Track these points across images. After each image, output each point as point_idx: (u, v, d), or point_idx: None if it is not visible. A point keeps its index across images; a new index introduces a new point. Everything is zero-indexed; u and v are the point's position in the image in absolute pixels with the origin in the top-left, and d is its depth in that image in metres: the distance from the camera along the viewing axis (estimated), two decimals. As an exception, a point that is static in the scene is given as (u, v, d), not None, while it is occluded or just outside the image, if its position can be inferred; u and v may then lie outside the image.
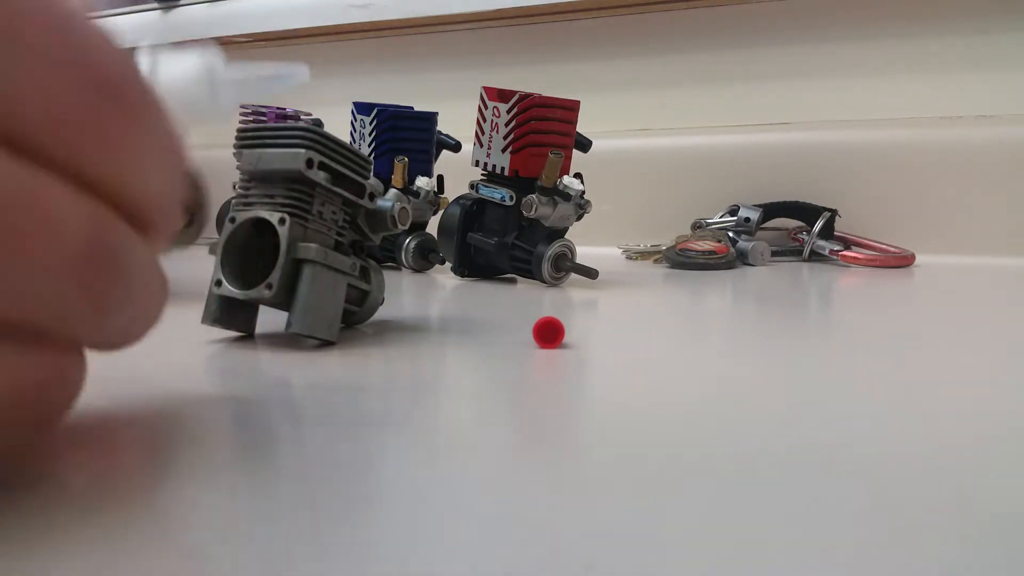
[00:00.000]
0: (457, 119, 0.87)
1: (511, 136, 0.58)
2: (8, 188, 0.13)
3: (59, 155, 0.14)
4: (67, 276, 0.14)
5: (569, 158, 0.59)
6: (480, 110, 0.60)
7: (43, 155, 0.14)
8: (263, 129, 0.32)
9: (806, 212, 0.82)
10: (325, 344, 0.33)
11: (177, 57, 0.43)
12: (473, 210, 0.62)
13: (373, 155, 0.71)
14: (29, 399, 0.15)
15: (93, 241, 0.14)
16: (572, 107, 0.60)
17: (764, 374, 0.29)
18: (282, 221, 0.31)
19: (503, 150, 0.58)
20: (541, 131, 0.58)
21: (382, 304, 0.38)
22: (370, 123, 0.71)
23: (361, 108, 0.71)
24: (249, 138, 0.32)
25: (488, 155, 0.60)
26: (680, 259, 0.73)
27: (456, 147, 0.77)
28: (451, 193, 0.68)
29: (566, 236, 0.59)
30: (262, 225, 0.32)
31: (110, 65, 0.14)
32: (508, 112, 0.58)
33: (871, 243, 0.80)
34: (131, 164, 0.15)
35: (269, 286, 0.31)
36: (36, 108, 0.13)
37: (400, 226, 0.36)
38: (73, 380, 0.16)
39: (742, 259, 0.77)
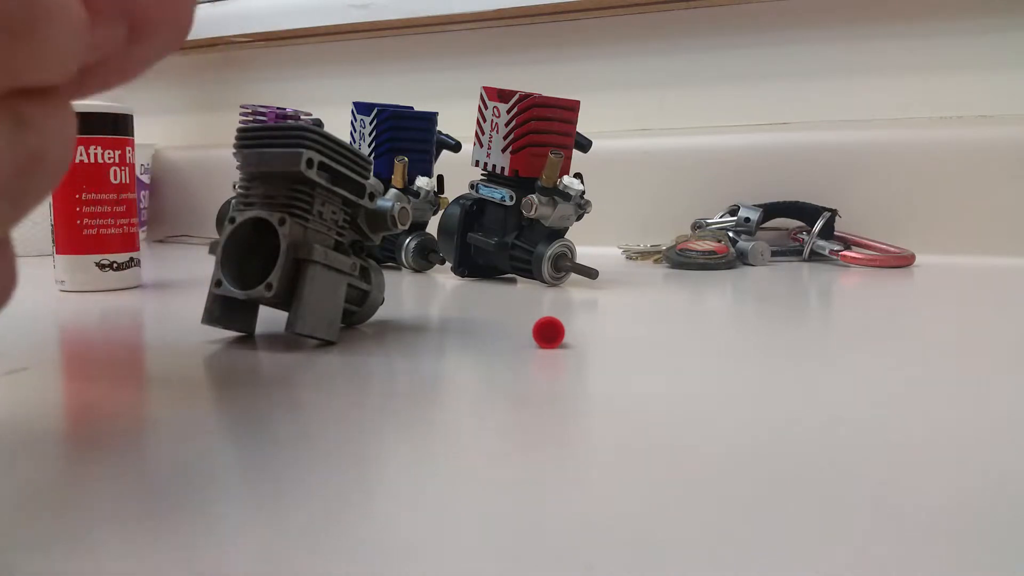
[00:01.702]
0: (457, 119, 0.87)
1: (511, 136, 0.58)
2: None
3: None
4: None
5: (569, 158, 0.59)
6: (480, 110, 0.60)
7: None
8: (263, 129, 0.32)
9: (806, 212, 0.82)
10: (325, 344, 0.33)
11: None
12: (473, 210, 0.62)
13: (373, 155, 0.70)
14: None
15: None
16: (572, 107, 0.60)
17: (764, 374, 0.29)
18: (282, 221, 0.31)
19: (503, 150, 0.58)
20: (541, 131, 0.58)
21: (382, 304, 0.38)
22: (370, 123, 0.71)
23: (361, 108, 0.71)
24: (249, 138, 0.32)
25: (488, 155, 0.60)
26: (680, 259, 0.73)
27: (456, 147, 0.77)
28: (451, 193, 0.68)
29: (566, 236, 0.59)
30: (262, 225, 0.32)
31: None
32: (508, 112, 0.58)
33: (871, 243, 0.80)
34: None
35: (269, 286, 0.31)
36: None
37: (400, 226, 0.36)
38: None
39: (742, 259, 0.77)
